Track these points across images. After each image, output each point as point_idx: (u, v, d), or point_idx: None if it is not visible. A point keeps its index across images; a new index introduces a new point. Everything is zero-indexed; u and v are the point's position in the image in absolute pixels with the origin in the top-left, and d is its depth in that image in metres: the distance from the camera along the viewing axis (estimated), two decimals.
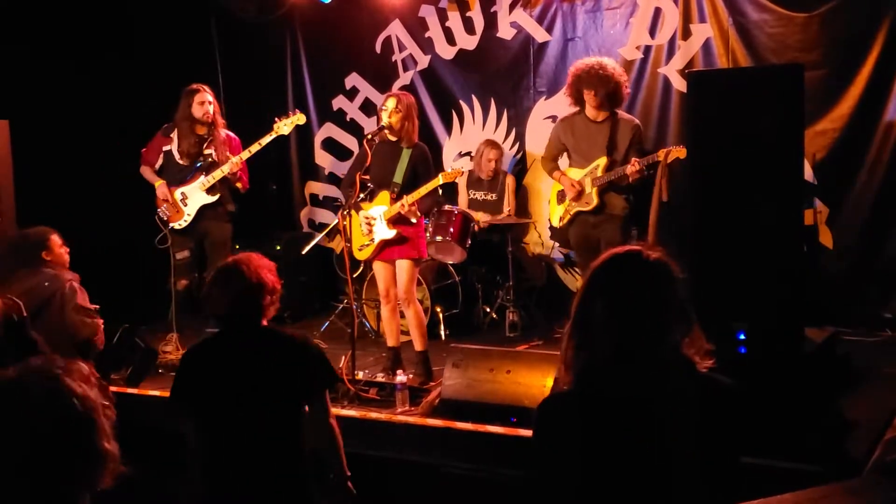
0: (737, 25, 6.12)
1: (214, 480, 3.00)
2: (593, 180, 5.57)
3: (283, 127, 5.85)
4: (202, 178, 5.82)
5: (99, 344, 4.86)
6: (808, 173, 5.85)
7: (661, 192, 5.36)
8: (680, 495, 1.86)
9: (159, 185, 5.85)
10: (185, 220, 5.85)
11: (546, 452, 1.98)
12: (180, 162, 5.86)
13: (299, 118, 5.93)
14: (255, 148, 5.84)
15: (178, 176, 5.86)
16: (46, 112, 6.46)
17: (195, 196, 5.84)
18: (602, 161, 5.55)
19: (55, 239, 4.81)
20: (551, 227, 6.97)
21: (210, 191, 5.84)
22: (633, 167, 5.35)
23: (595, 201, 5.57)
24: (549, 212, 6.09)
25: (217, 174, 5.79)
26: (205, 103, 5.80)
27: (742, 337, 4.10)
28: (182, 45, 7.28)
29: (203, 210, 5.86)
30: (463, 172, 5.18)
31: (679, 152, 5.26)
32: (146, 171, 5.96)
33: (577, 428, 1.92)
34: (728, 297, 4.17)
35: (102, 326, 4.92)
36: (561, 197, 5.86)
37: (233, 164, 5.75)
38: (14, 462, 1.57)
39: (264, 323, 3.13)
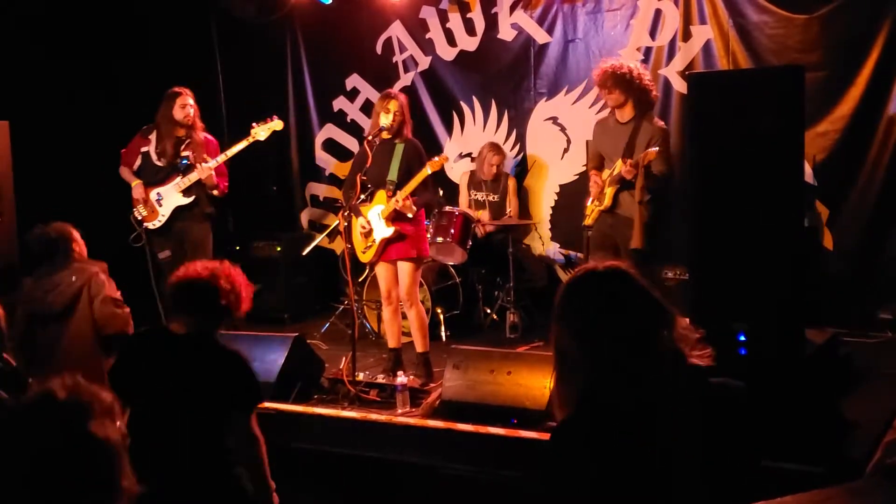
0: (737, 27, 6.12)
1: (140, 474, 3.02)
2: (610, 180, 5.56)
3: (260, 132, 5.94)
4: (178, 179, 5.85)
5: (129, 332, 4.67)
6: (809, 175, 5.85)
7: (636, 192, 5.37)
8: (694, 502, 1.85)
9: (136, 185, 5.89)
10: (160, 221, 5.88)
11: (561, 482, 1.93)
12: (157, 163, 5.91)
13: (276, 124, 6.01)
14: (231, 152, 5.90)
15: (155, 177, 5.90)
16: (46, 112, 6.46)
17: (170, 197, 5.87)
18: (619, 163, 5.52)
19: (75, 231, 4.69)
20: (552, 228, 7.00)
21: (186, 192, 5.87)
22: (625, 167, 5.35)
23: (607, 201, 5.55)
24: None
25: (193, 177, 5.83)
26: (186, 106, 5.87)
27: (742, 338, 4.11)
28: (182, 47, 7.27)
29: (179, 211, 5.88)
30: (448, 158, 5.17)
31: (651, 154, 5.25)
32: (125, 172, 6.01)
33: (588, 457, 1.86)
34: (728, 299, 4.17)
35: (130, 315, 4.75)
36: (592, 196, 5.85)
37: (201, 169, 5.79)
38: (28, 483, 1.56)
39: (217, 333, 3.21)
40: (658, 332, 1.90)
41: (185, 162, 5.86)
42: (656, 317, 1.91)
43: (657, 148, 5.26)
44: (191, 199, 5.87)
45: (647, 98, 5.55)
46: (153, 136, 5.93)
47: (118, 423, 1.68)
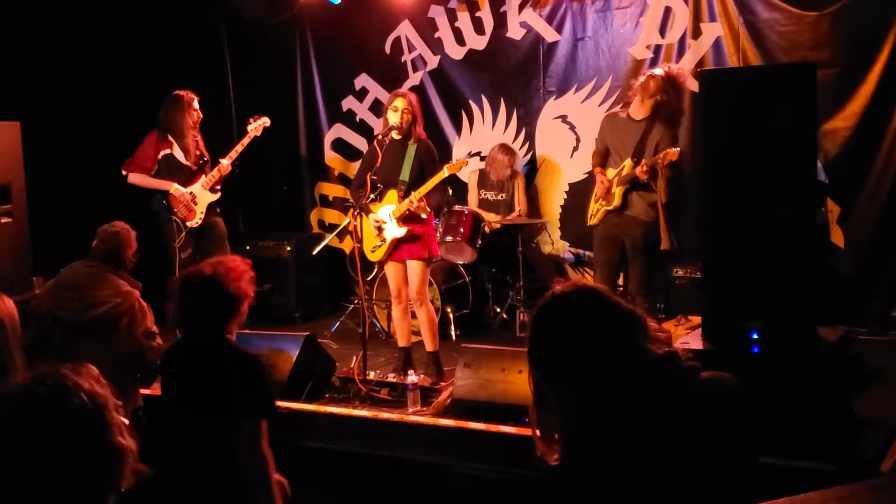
0: (747, 24, 6.10)
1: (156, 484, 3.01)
2: (619, 179, 5.54)
3: (255, 129, 6.15)
4: (203, 177, 6.00)
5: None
6: (820, 172, 5.82)
7: (660, 194, 5.36)
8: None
9: (174, 188, 5.89)
10: (199, 220, 5.97)
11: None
12: (186, 163, 5.97)
13: (265, 120, 6.23)
14: (239, 148, 6.09)
15: (183, 177, 5.96)
16: (57, 114, 6.48)
17: (202, 195, 6.01)
18: (628, 162, 5.50)
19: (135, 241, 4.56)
20: (562, 227, 6.99)
21: (212, 189, 6.04)
22: (641, 168, 5.34)
23: (616, 201, 5.53)
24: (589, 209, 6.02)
25: (215, 174, 6.01)
26: (198, 111, 6.03)
27: (755, 336, 4.10)
28: (191, 48, 7.29)
29: (209, 207, 6.04)
30: (468, 162, 5.19)
31: (672, 155, 5.24)
32: (143, 178, 5.93)
33: (598, 477, 1.86)
34: (741, 297, 4.16)
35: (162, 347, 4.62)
36: (598, 195, 5.82)
37: (230, 163, 6.02)
38: (30, 467, 1.57)
39: (230, 336, 3.16)
40: (637, 340, 1.88)
41: (204, 159, 6.03)
42: (633, 325, 1.90)
43: (678, 149, 5.25)
44: (218, 196, 6.06)
45: (681, 105, 5.56)
46: (171, 139, 5.95)
47: (105, 389, 1.71)
